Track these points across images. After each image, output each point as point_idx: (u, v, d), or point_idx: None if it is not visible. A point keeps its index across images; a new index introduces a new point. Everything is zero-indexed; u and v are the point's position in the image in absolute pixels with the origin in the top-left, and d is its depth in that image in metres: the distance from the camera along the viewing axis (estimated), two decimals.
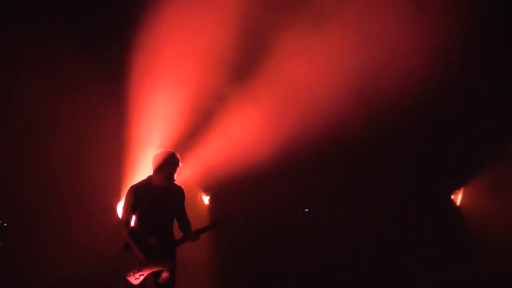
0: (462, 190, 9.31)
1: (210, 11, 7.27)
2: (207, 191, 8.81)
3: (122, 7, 7.38)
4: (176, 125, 7.33)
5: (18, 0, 7.26)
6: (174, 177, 5.69)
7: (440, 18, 7.21)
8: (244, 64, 7.60)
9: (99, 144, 7.56)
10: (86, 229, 7.49)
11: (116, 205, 7.15)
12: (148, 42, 7.25)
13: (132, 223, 5.67)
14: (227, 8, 7.21)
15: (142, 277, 5.49)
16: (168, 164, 5.63)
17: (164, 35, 7.26)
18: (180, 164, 5.71)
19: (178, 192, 5.78)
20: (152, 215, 5.61)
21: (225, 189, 8.48)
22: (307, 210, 9.51)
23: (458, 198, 9.33)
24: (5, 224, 7.79)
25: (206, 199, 8.82)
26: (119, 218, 6.28)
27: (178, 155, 5.72)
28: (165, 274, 5.61)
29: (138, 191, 5.64)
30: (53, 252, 7.45)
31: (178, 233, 5.75)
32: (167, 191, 5.68)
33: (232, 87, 7.78)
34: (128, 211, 5.63)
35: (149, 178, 5.73)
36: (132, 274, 5.48)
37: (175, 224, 5.80)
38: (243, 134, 7.74)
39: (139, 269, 5.49)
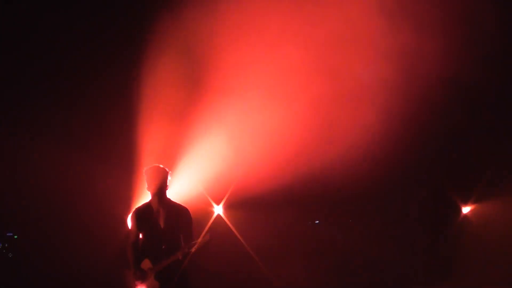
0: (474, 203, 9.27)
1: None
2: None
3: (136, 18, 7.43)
4: (188, 137, 7.34)
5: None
6: (163, 193, 5.56)
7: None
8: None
9: (111, 156, 7.58)
10: (97, 242, 7.48)
11: (126, 217, 7.14)
12: (161, 53, 7.27)
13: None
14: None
15: None
16: (151, 180, 5.53)
17: (178, 43, 7.29)
18: (166, 178, 5.58)
19: (179, 214, 5.59)
20: (150, 238, 5.60)
21: (236, 201, 8.45)
22: (317, 222, 9.47)
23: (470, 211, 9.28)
24: (15, 237, 7.81)
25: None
26: (129, 230, 6.29)
27: (163, 169, 5.59)
28: None
29: (138, 214, 5.68)
30: (63, 264, 7.45)
31: None
32: (166, 212, 5.57)
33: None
34: (132, 234, 5.72)
35: (150, 200, 5.71)
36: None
37: None
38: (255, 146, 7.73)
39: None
